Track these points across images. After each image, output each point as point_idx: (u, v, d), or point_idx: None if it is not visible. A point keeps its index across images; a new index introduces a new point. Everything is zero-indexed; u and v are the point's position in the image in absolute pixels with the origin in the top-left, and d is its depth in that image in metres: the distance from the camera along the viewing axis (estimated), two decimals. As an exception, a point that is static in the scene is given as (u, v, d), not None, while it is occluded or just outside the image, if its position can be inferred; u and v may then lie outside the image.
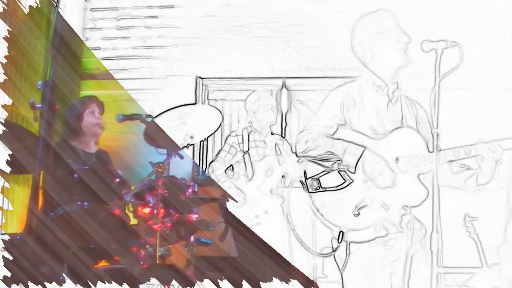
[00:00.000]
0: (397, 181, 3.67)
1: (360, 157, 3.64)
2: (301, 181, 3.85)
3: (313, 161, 3.77)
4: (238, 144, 5.09)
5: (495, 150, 3.62)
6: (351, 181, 3.71)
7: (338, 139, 3.71)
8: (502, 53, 5.18)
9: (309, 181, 3.77)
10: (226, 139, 5.17)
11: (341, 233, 3.71)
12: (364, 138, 3.73)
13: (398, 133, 3.77)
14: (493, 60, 5.17)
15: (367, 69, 3.86)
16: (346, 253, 3.75)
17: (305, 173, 3.83)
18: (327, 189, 3.75)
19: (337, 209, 3.72)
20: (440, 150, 3.68)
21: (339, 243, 3.72)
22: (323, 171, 3.76)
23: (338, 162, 3.68)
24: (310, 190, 3.76)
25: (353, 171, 3.68)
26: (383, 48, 3.81)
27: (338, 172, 3.73)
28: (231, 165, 5.16)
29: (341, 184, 3.73)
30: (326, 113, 3.80)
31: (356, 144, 3.67)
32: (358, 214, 3.68)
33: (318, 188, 3.74)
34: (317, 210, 3.75)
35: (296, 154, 3.83)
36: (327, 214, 3.74)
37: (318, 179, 3.76)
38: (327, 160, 3.72)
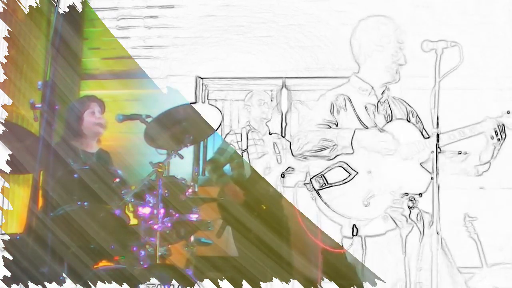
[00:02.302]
0: (399, 147, 3.70)
1: (352, 137, 3.68)
2: (305, 184, 3.86)
3: (310, 155, 3.79)
4: (237, 142, 5.10)
5: (496, 125, 3.66)
6: (356, 173, 3.74)
7: (329, 126, 3.75)
8: (502, 53, 5.18)
9: (313, 180, 3.78)
10: (225, 138, 5.18)
11: (354, 226, 3.73)
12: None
13: (391, 125, 3.80)
14: (493, 60, 5.18)
15: (355, 74, 3.89)
16: (363, 248, 3.76)
17: (308, 174, 3.84)
18: (334, 184, 3.76)
19: (346, 202, 3.74)
20: (442, 133, 3.71)
21: (355, 235, 3.74)
22: (326, 168, 3.78)
23: (334, 146, 3.71)
24: (317, 188, 3.76)
25: (351, 151, 3.71)
26: (377, 61, 3.83)
27: (341, 166, 3.75)
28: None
29: (347, 178, 3.75)
30: (318, 117, 3.83)
31: (346, 128, 3.72)
32: (368, 204, 3.70)
33: (324, 185, 3.75)
34: (327, 205, 3.75)
35: (292, 155, 3.85)
36: (338, 209, 3.75)
37: (323, 176, 3.78)
38: (323, 148, 3.75)
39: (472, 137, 3.71)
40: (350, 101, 3.81)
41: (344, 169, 3.74)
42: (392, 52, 3.81)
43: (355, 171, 3.73)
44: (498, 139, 3.66)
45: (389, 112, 3.87)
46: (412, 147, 3.74)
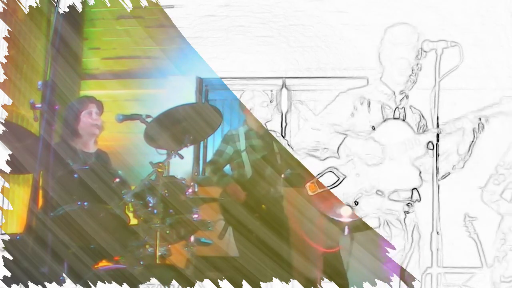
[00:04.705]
0: (385, 158, 3.74)
1: (341, 143, 3.73)
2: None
3: (305, 153, 3.86)
4: (235, 142, 5.10)
5: (474, 120, 3.69)
6: (345, 176, 3.78)
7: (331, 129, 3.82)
8: (503, 53, 5.18)
9: (307, 185, 3.86)
10: (224, 137, 5.16)
11: (356, 202, 3.79)
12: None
13: (385, 124, 3.83)
14: (493, 60, 5.17)
15: (379, 77, 3.91)
16: (351, 240, 3.80)
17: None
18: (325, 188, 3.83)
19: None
20: (426, 131, 3.76)
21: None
22: (318, 174, 3.84)
23: (325, 150, 3.78)
24: (311, 194, 3.84)
25: (337, 156, 3.77)
26: (395, 69, 3.85)
27: (331, 171, 3.81)
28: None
29: (336, 182, 3.80)
30: (330, 117, 3.87)
31: (341, 134, 3.78)
32: (357, 203, 3.75)
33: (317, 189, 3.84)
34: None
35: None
36: None
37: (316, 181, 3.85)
38: (315, 149, 3.81)
39: (451, 133, 3.74)
40: (369, 105, 3.84)
41: (335, 174, 3.81)
42: (407, 64, 3.83)
43: (343, 175, 3.78)
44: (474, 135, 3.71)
45: (403, 119, 3.90)
46: (402, 146, 3.77)
